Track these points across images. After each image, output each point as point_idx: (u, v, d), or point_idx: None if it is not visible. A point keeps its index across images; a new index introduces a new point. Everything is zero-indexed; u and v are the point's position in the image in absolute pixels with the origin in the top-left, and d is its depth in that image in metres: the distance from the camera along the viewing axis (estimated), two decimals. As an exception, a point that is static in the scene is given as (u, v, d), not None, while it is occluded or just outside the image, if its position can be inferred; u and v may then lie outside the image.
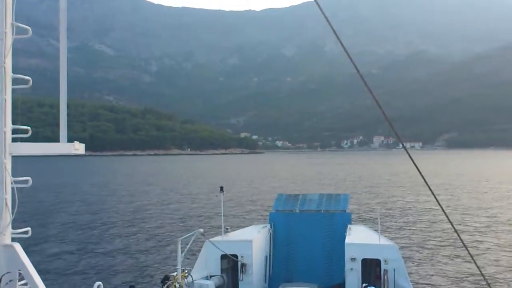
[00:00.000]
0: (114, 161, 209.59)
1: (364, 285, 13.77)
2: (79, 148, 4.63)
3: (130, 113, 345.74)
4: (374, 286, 13.66)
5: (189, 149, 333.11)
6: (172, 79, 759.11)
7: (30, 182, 4.71)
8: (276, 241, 17.95)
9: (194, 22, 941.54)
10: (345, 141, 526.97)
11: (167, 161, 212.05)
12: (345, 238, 15.55)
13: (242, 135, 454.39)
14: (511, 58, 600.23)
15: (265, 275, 16.97)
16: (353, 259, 14.47)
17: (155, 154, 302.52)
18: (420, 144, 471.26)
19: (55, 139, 4.87)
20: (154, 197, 62.93)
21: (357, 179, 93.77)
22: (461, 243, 8.43)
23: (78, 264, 27.49)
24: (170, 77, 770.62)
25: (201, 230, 13.50)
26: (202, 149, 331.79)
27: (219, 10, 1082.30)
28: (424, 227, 37.50)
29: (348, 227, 17.13)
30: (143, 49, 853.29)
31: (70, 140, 4.63)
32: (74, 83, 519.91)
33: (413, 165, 7.43)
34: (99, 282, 8.62)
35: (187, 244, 12.97)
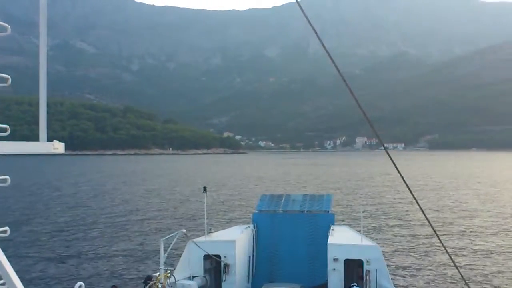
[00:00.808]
0: (94, 161, 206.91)
1: (352, 284, 13.73)
2: (58, 147, 4.56)
3: (110, 112, 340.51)
4: (359, 286, 13.67)
5: (170, 149, 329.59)
6: (154, 79, 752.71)
7: (9, 181, 4.67)
8: (259, 242, 17.96)
9: (177, 22, 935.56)
10: (328, 142, 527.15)
11: (148, 161, 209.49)
12: (328, 238, 15.65)
13: (225, 135, 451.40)
14: (490, 61, 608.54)
15: (248, 276, 16.95)
16: (335, 260, 14.58)
17: (136, 154, 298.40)
18: (403, 145, 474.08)
19: (33, 137, 4.73)
20: (135, 197, 62.35)
21: (340, 180, 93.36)
22: (440, 244, 8.60)
23: (59, 264, 27.04)
24: (153, 76, 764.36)
25: (184, 230, 13.51)
26: (184, 149, 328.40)
27: (203, 9, 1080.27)
28: (406, 228, 37.77)
29: (331, 228, 17.26)
30: (125, 47, 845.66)
31: (49, 139, 4.56)
32: (54, 81, 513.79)
33: (398, 165, 7.58)
34: (81, 282, 8.65)
35: (170, 245, 12.82)
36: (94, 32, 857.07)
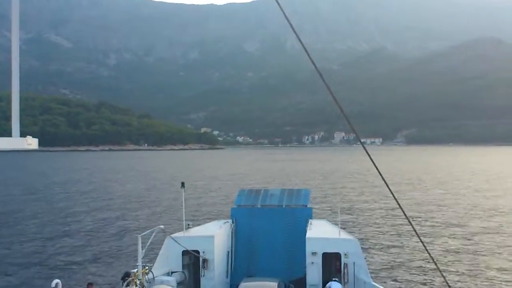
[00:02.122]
0: (66, 157, 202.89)
1: (334, 279, 13.77)
2: (32, 143, 4.49)
3: (84, 107, 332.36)
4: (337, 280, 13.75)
5: (146, 145, 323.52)
6: (131, 73, 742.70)
7: None
8: (238, 236, 17.99)
9: (154, 15, 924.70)
10: (307, 137, 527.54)
11: (122, 157, 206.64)
12: (306, 232, 15.82)
13: (203, 130, 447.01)
14: (467, 56, 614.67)
15: (227, 270, 17.01)
16: (314, 253, 14.72)
17: (110, 150, 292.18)
18: (380, 140, 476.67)
19: (5, 133, 4.63)
20: (111, 193, 61.87)
21: (318, 174, 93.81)
22: (417, 236, 9.09)
23: (35, 261, 26.87)
24: (130, 71, 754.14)
25: (162, 226, 13.47)
26: (160, 144, 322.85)
27: (180, 3, 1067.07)
28: (383, 221, 38.14)
29: (309, 222, 17.39)
30: (101, 42, 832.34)
31: (21, 134, 4.48)
32: (28, 76, 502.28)
33: (376, 160, 7.75)
34: (57, 280, 8.91)
35: (148, 241, 12.74)
36: (70, 25, 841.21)
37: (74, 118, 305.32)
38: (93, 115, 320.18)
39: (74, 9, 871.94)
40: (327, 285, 13.78)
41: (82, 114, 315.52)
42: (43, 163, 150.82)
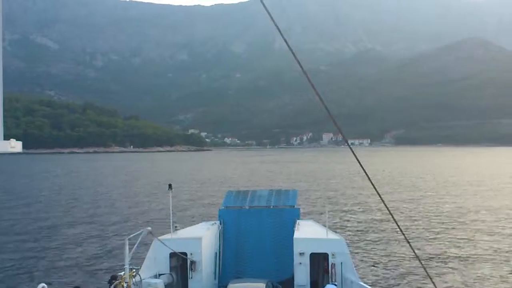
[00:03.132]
0: (50, 159, 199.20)
1: (333, 282, 13.88)
2: (15, 146, 4.25)
3: (68, 109, 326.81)
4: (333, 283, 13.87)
5: (131, 147, 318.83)
6: (118, 75, 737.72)
7: None
8: (225, 238, 17.98)
9: (142, 17, 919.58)
10: (295, 138, 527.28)
11: (108, 159, 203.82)
12: (293, 233, 15.87)
13: (191, 132, 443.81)
14: (455, 57, 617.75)
15: (215, 272, 16.94)
16: (301, 254, 14.73)
17: (95, 152, 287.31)
18: (369, 141, 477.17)
19: None
20: (97, 196, 61.44)
21: (306, 175, 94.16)
22: (403, 236, 9.46)
23: (20, 265, 26.58)
24: (117, 72, 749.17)
25: (149, 228, 13.13)
26: (146, 146, 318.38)
27: (168, 4, 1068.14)
28: (370, 221, 38.52)
29: (297, 222, 17.42)
30: (88, 43, 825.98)
31: (4, 137, 4.20)
32: (14, 78, 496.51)
33: (362, 161, 7.93)
34: (43, 284, 8.96)
35: (135, 243, 12.63)
36: (56, 27, 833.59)
37: (58, 120, 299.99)
38: (78, 117, 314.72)
39: (61, 10, 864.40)
40: None
41: (67, 116, 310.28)
42: (26, 166, 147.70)
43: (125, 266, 12.19)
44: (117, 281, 11.83)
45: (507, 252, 27.95)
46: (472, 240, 31.32)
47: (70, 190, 69.90)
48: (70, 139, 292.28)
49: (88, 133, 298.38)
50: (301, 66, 6.74)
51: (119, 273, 12.30)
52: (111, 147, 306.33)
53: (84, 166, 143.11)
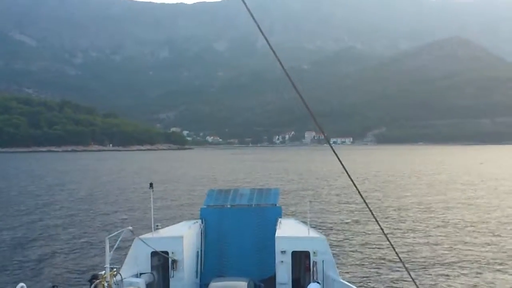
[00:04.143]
0: (26, 158, 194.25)
1: (317, 281, 13.91)
2: None
3: (46, 106, 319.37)
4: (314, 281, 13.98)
5: (111, 145, 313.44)
6: (99, 72, 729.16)
7: None
8: (207, 237, 17.96)
9: (123, 14, 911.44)
10: (277, 137, 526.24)
11: (86, 157, 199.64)
12: (275, 231, 15.80)
13: (172, 130, 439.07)
14: (436, 56, 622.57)
15: (197, 271, 16.89)
16: (283, 252, 14.75)
17: (73, 151, 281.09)
18: (351, 139, 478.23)
19: None
20: (76, 195, 60.39)
21: (287, 173, 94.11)
22: (383, 234, 9.59)
23: None
24: (97, 70, 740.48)
25: (130, 227, 13.08)
26: (126, 145, 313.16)
27: (149, 1, 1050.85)
28: (351, 219, 38.62)
29: (279, 221, 17.43)
30: (68, 40, 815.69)
31: None
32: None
33: (346, 159, 8.17)
34: (22, 284, 9.16)
35: (116, 242, 12.71)
36: (35, 24, 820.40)
37: (35, 118, 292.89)
38: (56, 115, 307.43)
39: (40, 7, 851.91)
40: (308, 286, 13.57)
41: (44, 114, 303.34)
42: (1, 164, 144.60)
43: (106, 266, 12.02)
44: (97, 281, 11.60)
45: (485, 246, 28.68)
46: (451, 238, 31.44)
47: (48, 189, 68.53)
48: (47, 137, 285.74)
49: (66, 131, 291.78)
50: (281, 64, 6.70)
51: (100, 273, 11.98)
52: (89, 146, 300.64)
53: (62, 165, 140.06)
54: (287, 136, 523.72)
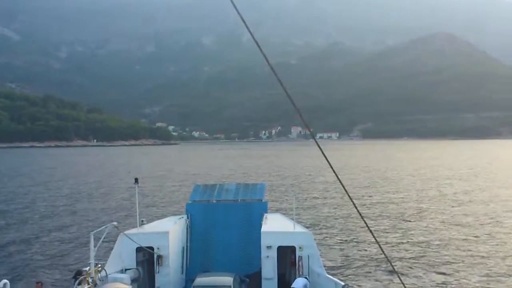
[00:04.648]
0: (8, 153, 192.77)
1: (305, 276, 14.02)
2: None
3: (28, 101, 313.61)
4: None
5: (95, 140, 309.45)
6: (84, 67, 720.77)
7: None
8: (193, 232, 17.94)
9: (109, 7, 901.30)
10: (264, 132, 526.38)
11: (70, 153, 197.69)
12: (261, 226, 15.97)
13: (158, 125, 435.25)
14: (422, 51, 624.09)
15: (182, 266, 16.90)
16: (269, 247, 14.84)
17: (56, 146, 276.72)
18: (337, 134, 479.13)
19: None
20: (61, 190, 59.68)
21: (273, 169, 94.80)
22: (367, 229, 9.70)
23: None
24: (83, 64, 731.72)
25: (115, 223, 13.07)
26: (110, 140, 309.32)
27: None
28: (337, 214, 38.75)
29: (264, 216, 17.52)
30: (53, 34, 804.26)
31: None
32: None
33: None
34: (5, 280, 9.39)
35: (100, 238, 12.63)
36: (19, 17, 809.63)
37: (18, 113, 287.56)
38: (39, 110, 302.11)
39: (24, 0, 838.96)
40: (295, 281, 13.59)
41: (27, 109, 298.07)
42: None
43: (90, 261, 11.99)
44: (82, 277, 11.56)
45: (464, 240, 29.21)
46: (435, 233, 31.60)
47: (31, 185, 67.70)
48: (30, 132, 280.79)
49: (49, 127, 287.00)
50: (266, 59, 6.79)
51: (84, 268, 11.94)
52: (73, 141, 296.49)
53: (45, 161, 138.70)
54: (273, 131, 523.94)
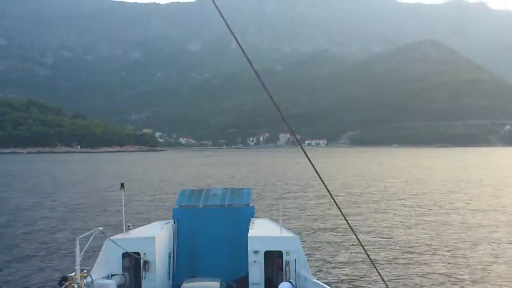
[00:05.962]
0: None
1: (290, 280, 14.02)
2: None
3: (10, 106, 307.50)
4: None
5: (78, 147, 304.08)
6: (70, 72, 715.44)
7: None
8: (180, 237, 17.85)
9: (95, 13, 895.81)
10: (251, 138, 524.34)
11: (53, 159, 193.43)
12: (248, 231, 15.92)
13: (145, 131, 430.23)
14: (408, 59, 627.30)
15: (169, 272, 16.86)
16: (256, 252, 14.82)
17: (38, 152, 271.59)
18: (325, 141, 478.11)
19: None
20: (44, 196, 58.60)
21: (260, 175, 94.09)
22: (352, 232, 9.80)
23: None
24: (68, 70, 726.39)
25: (101, 228, 12.95)
26: (94, 146, 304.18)
27: (122, 1, 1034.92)
28: (324, 220, 38.62)
29: (251, 221, 17.53)
30: (38, 39, 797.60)
31: None
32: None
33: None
34: None
35: (86, 244, 12.45)
36: (3, 22, 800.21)
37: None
38: (21, 115, 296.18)
39: (8, 4, 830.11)
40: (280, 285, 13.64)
41: (9, 114, 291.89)
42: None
43: (76, 267, 11.84)
44: (67, 282, 11.51)
45: (451, 243, 29.14)
46: (421, 237, 31.52)
47: (13, 191, 65.91)
48: (11, 138, 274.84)
49: (31, 132, 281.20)
50: (252, 66, 6.76)
51: (70, 274, 11.81)
52: (56, 147, 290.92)
53: (28, 167, 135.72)
54: (261, 138, 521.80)
